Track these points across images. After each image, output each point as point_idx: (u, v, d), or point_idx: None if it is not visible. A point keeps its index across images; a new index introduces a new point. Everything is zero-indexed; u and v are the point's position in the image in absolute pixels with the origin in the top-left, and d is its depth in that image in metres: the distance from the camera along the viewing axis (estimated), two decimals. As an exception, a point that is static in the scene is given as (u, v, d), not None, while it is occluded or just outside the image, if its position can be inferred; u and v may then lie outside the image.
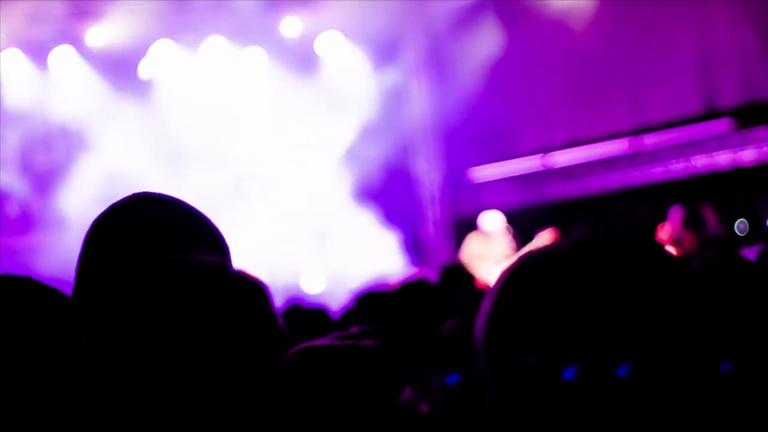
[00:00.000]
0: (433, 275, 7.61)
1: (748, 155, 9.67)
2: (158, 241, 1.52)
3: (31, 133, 9.94)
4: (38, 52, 10.18)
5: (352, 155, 10.79)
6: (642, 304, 1.05)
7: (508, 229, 10.19)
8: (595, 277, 1.07)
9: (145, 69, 10.52)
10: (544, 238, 9.50)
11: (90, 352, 1.35)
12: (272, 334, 1.30)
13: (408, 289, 4.26)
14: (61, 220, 9.62)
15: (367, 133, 10.90)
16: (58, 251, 9.51)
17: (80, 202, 9.47)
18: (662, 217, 8.41)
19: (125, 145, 10.06)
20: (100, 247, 1.55)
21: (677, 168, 10.15)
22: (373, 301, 4.40)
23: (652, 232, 8.24)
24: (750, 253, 7.54)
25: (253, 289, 1.32)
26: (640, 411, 1.02)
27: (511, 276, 1.13)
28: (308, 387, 1.49)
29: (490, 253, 9.50)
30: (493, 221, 10.06)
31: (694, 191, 9.63)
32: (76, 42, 10.24)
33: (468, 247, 10.00)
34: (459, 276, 5.86)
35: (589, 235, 1.12)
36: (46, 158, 10.08)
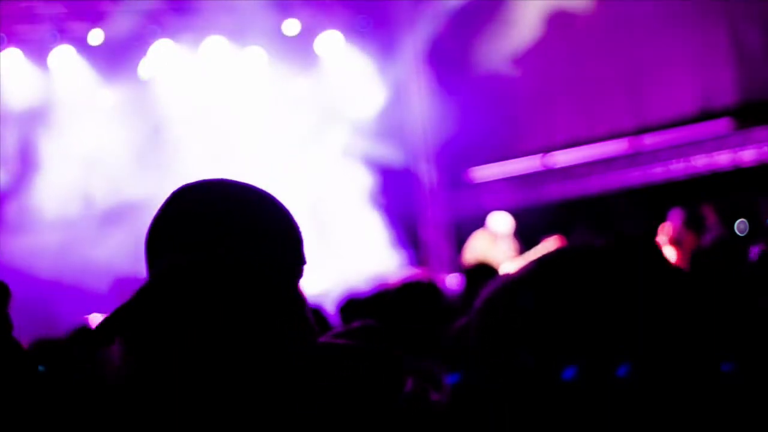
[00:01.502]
0: (433, 275, 7.62)
1: (748, 155, 9.67)
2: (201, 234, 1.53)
3: (31, 132, 9.93)
4: (38, 52, 10.18)
5: (351, 155, 10.80)
6: (642, 305, 1.04)
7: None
8: (596, 278, 1.07)
9: (145, 69, 10.52)
10: (549, 245, 9.51)
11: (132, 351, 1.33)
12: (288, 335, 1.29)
13: (408, 289, 4.26)
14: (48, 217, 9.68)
15: (367, 133, 10.91)
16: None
17: (68, 197, 9.54)
18: (662, 218, 8.41)
19: (124, 144, 10.06)
20: (166, 233, 1.57)
21: (677, 168, 10.15)
22: (361, 306, 4.40)
23: (652, 233, 8.24)
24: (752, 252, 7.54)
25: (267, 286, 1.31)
26: (640, 411, 1.01)
27: (514, 278, 1.13)
28: (308, 387, 1.49)
29: (494, 253, 9.51)
30: (501, 223, 10.07)
31: (694, 191, 9.63)
32: (76, 42, 10.24)
33: (473, 247, 10.01)
34: (483, 276, 5.83)
35: (589, 239, 1.12)
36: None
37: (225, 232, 1.55)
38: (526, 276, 1.12)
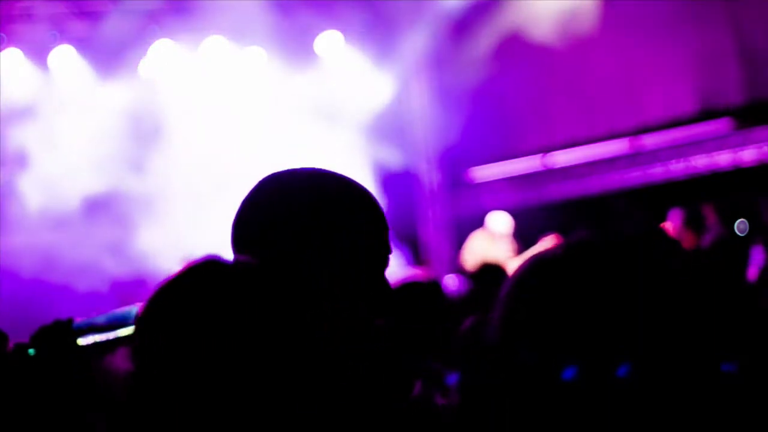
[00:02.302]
0: (433, 275, 7.58)
1: (748, 155, 9.67)
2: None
3: (28, 132, 9.93)
4: (38, 52, 10.17)
5: (351, 155, 10.79)
6: (642, 305, 1.04)
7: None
8: (597, 278, 1.07)
9: (144, 68, 10.52)
10: (546, 244, 9.52)
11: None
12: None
13: (408, 289, 4.25)
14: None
15: (367, 133, 10.90)
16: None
17: (62, 196, 9.56)
18: (662, 218, 8.41)
19: (123, 144, 10.06)
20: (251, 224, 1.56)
21: (677, 168, 10.15)
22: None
23: (654, 232, 8.22)
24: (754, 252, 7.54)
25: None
26: (640, 411, 1.01)
27: (517, 278, 1.13)
28: (319, 388, 1.49)
29: (494, 254, 9.51)
30: (500, 223, 10.07)
31: (694, 191, 9.62)
32: (76, 42, 10.24)
33: (471, 247, 10.01)
34: (490, 276, 5.83)
35: (591, 238, 1.12)
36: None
37: (311, 223, 1.53)
38: (527, 270, 1.12)
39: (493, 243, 9.94)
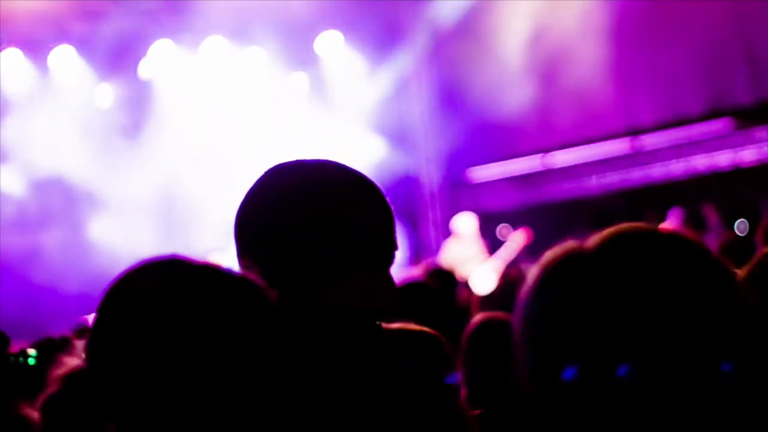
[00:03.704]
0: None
1: (748, 155, 9.67)
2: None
3: (30, 133, 9.93)
4: (38, 52, 10.18)
5: (351, 155, 10.80)
6: (642, 305, 1.04)
7: (506, 228, 10.21)
8: (597, 279, 1.07)
9: (144, 69, 10.52)
10: (517, 239, 9.61)
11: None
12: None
13: (407, 289, 4.25)
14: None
15: (367, 133, 10.90)
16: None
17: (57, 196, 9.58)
18: (662, 218, 8.41)
19: (121, 144, 10.07)
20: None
21: (677, 168, 10.14)
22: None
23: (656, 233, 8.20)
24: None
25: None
26: (640, 411, 1.01)
27: (530, 283, 1.12)
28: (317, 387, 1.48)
29: (465, 255, 9.52)
30: (464, 224, 10.10)
31: (694, 191, 9.62)
32: (76, 42, 10.24)
33: (447, 251, 10.02)
34: (445, 279, 5.83)
35: (591, 239, 1.12)
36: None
37: (315, 217, 1.49)
38: (541, 279, 1.12)
39: (462, 245, 9.94)
